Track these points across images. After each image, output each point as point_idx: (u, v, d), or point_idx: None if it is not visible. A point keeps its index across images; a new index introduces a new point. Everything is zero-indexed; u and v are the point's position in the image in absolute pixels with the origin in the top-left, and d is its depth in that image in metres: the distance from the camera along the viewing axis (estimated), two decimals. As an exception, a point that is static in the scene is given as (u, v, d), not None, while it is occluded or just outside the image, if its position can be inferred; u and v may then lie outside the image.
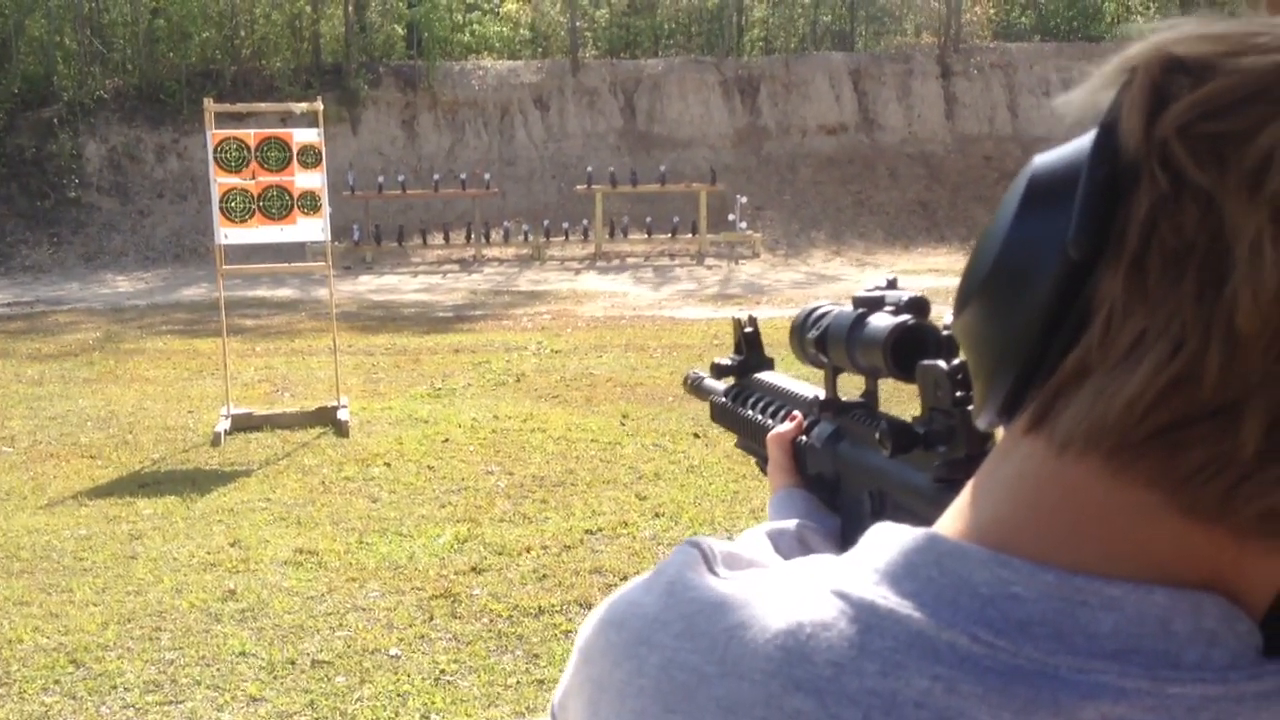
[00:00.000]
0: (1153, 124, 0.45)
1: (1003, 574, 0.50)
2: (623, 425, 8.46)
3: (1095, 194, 0.47)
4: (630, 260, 21.54)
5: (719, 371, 1.29)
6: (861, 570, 0.53)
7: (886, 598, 0.51)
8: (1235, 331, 0.43)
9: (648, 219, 21.94)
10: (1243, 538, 0.47)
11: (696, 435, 7.99)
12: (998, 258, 0.51)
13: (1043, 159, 0.51)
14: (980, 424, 0.56)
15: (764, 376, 1.25)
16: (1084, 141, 0.49)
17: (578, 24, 27.91)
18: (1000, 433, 0.55)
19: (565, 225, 21.96)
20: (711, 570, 0.57)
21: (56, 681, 4.41)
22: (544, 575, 5.41)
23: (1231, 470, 0.45)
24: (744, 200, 22.50)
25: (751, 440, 1.23)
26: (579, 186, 22.13)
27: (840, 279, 18.64)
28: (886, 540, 0.54)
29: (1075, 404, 0.48)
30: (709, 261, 21.30)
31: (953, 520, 0.55)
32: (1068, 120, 0.50)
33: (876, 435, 0.87)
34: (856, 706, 0.49)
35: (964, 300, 0.54)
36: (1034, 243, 0.49)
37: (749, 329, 1.27)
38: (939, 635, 0.49)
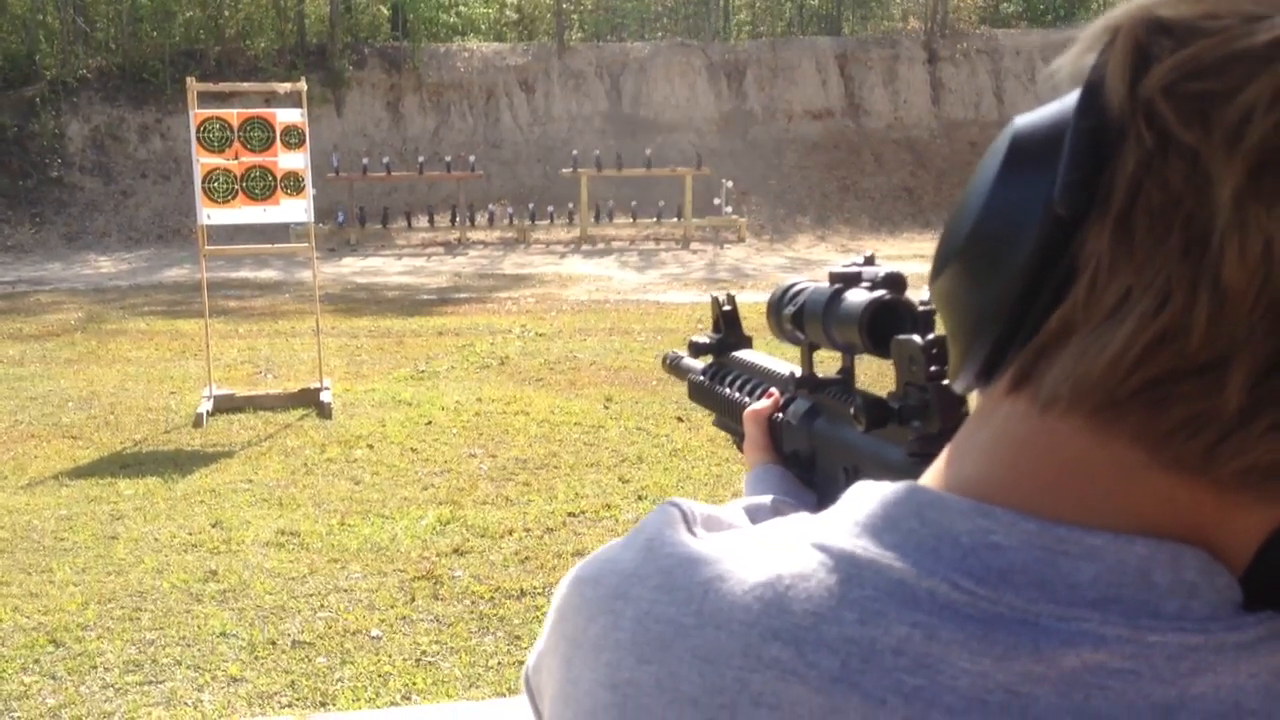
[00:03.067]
0: (1137, 84, 0.45)
1: (984, 523, 0.50)
2: (606, 409, 8.46)
3: (1081, 151, 0.46)
4: (615, 244, 21.53)
5: (696, 350, 1.29)
6: (842, 524, 0.53)
7: (867, 549, 0.51)
8: (1222, 286, 0.43)
9: (633, 203, 21.92)
10: (1224, 492, 0.47)
11: (680, 419, 7.99)
12: (978, 219, 0.51)
13: (1024, 120, 0.51)
14: (957, 387, 0.55)
15: (741, 354, 1.24)
16: (1066, 102, 0.48)
17: (564, 6, 27.81)
18: (975, 398, 0.55)
19: (550, 208, 21.92)
20: (690, 530, 0.57)
21: (36, 661, 4.40)
22: (526, 557, 5.41)
23: (1215, 426, 0.45)
24: (730, 185, 22.50)
25: (729, 418, 1.23)
26: (564, 170, 22.09)
27: (825, 264, 18.41)
28: (867, 495, 0.54)
29: (1059, 363, 0.48)
30: (694, 246, 21.30)
31: (931, 479, 0.55)
32: (1058, 85, 0.50)
33: (851, 411, 0.86)
34: (834, 654, 0.49)
35: (943, 263, 0.54)
36: (1017, 203, 0.49)
37: (727, 307, 1.27)
38: (919, 583, 0.49)
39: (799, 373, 1.06)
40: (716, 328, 1.28)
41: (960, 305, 0.53)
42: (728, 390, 1.23)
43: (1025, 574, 0.48)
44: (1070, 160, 0.47)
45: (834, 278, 0.93)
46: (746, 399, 1.17)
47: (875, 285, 0.89)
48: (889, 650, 0.48)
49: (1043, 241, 0.48)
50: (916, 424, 0.81)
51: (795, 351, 1.04)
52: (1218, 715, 0.46)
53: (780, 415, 1.08)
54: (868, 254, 0.95)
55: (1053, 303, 0.48)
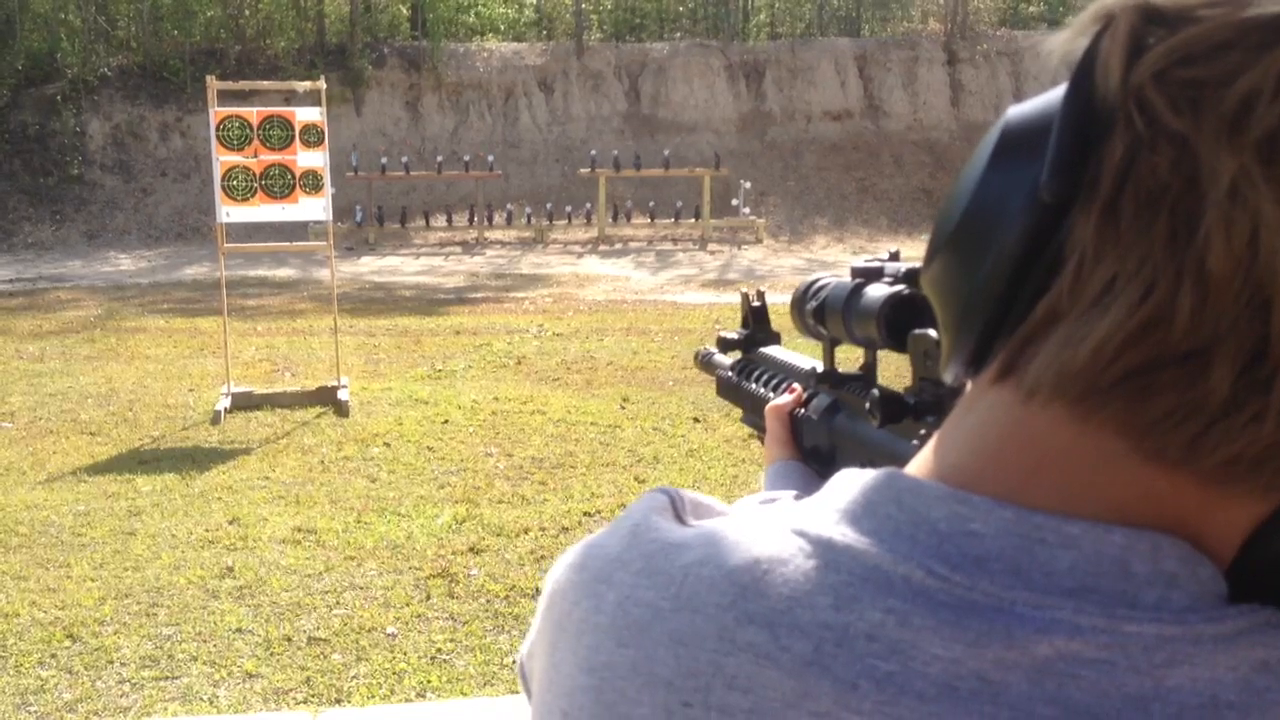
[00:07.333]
0: (1129, 70, 0.45)
1: (961, 510, 0.49)
2: (622, 409, 8.46)
3: (1069, 137, 0.46)
4: (633, 244, 21.53)
5: (724, 345, 1.29)
6: (822, 510, 0.53)
7: (845, 534, 0.51)
8: (1207, 274, 0.43)
9: (651, 203, 21.92)
10: (1208, 484, 0.47)
11: (696, 419, 7.98)
12: (967, 208, 0.51)
13: (1016, 110, 0.51)
14: (947, 377, 0.55)
15: (769, 350, 1.24)
16: (1057, 92, 0.48)
17: (583, 6, 27.83)
18: (968, 387, 0.55)
19: (568, 208, 21.94)
20: (678, 516, 0.58)
21: (53, 655, 4.42)
22: (541, 556, 5.41)
23: (1199, 416, 0.45)
24: (748, 185, 22.49)
25: (754, 414, 1.23)
26: (582, 170, 22.10)
27: (842, 266, 18.55)
28: (848, 482, 0.54)
29: (1044, 351, 0.48)
30: (711, 247, 21.28)
31: (915, 467, 0.55)
32: (1049, 69, 0.50)
33: (867, 405, 0.86)
34: (808, 639, 0.49)
35: (933, 252, 0.54)
36: (1005, 192, 0.49)
37: (756, 303, 1.27)
38: (894, 569, 0.49)
39: (821, 368, 1.05)
40: (745, 324, 1.27)
41: (949, 294, 0.53)
42: (754, 386, 1.23)
43: (1001, 561, 0.48)
44: (1057, 146, 0.46)
45: (855, 272, 0.93)
46: (771, 394, 1.17)
47: (897, 280, 0.89)
48: (862, 635, 0.48)
49: (1030, 229, 0.47)
50: (931, 419, 0.81)
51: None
52: (1194, 707, 0.45)
53: (801, 410, 1.07)
54: (892, 250, 0.94)
55: (1039, 291, 0.48)
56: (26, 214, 22.17)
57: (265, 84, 9.68)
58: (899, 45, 27.76)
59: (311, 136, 8.23)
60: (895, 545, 0.50)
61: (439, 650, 4.46)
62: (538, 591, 4.99)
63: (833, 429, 1.01)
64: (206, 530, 5.81)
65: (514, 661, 4.32)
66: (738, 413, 1.32)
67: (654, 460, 7.06)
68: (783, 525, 0.53)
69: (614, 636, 0.53)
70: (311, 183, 8.26)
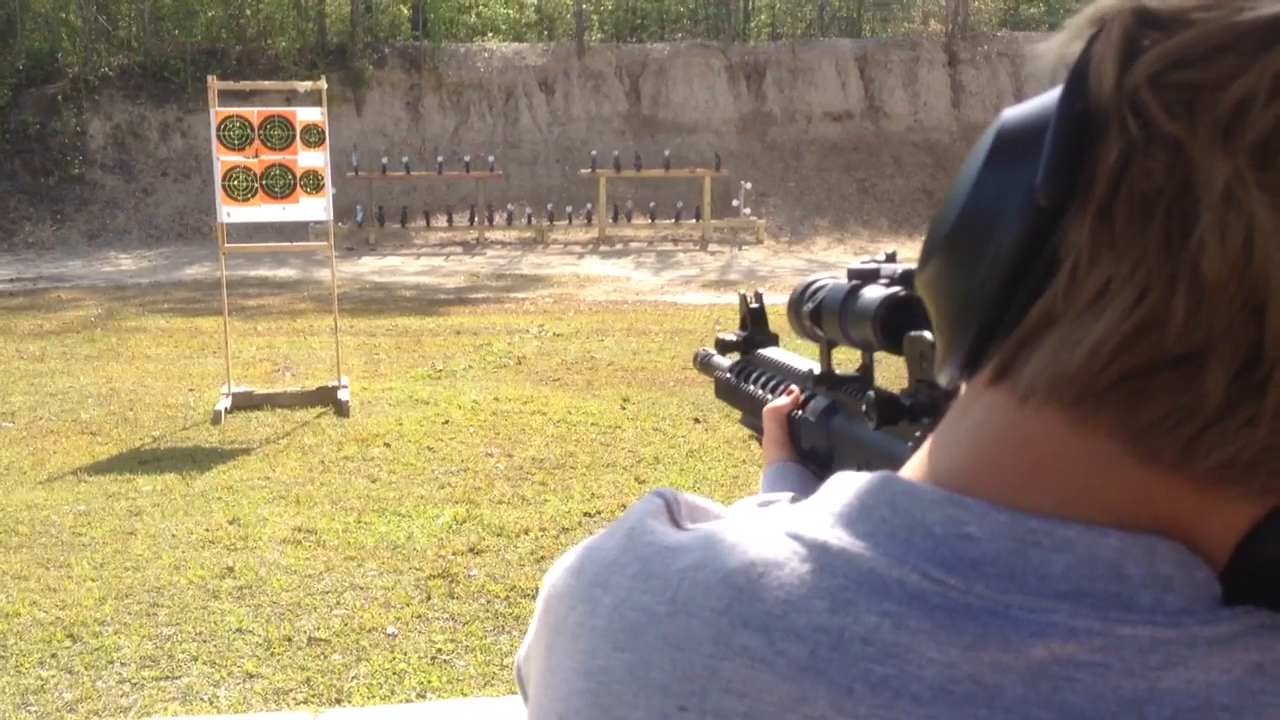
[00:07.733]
0: (1124, 73, 0.45)
1: (956, 514, 0.50)
2: (623, 409, 8.46)
3: (1064, 140, 0.46)
4: (633, 245, 21.52)
5: (723, 347, 1.29)
6: (818, 514, 0.53)
7: (840, 538, 0.51)
8: (1201, 278, 0.43)
9: (651, 204, 21.92)
10: (1203, 487, 0.47)
11: (696, 420, 7.98)
12: (963, 210, 0.51)
13: (1012, 112, 0.51)
14: (941, 380, 0.55)
15: (767, 352, 1.24)
16: (1052, 95, 0.48)
17: (584, 7, 27.83)
18: (963, 389, 0.55)
19: (569, 209, 21.93)
20: (674, 520, 0.58)
21: (53, 655, 4.42)
22: (542, 557, 5.42)
23: (1194, 420, 0.45)
24: (748, 186, 22.49)
25: (752, 416, 1.23)
26: (583, 170, 22.09)
27: (842, 266, 18.51)
28: (843, 485, 0.54)
29: (1038, 354, 0.48)
30: (712, 247, 21.28)
31: (910, 470, 0.55)
32: (1040, 71, 0.50)
33: (864, 407, 0.86)
34: (803, 643, 0.49)
35: (928, 255, 0.54)
36: (1000, 194, 0.49)
37: (754, 305, 1.27)
38: (890, 573, 0.49)
39: (819, 370, 1.05)
40: (744, 325, 1.28)
41: (944, 296, 0.53)
42: (752, 388, 1.23)
43: (996, 565, 0.48)
44: (1052, 149, 0.46)
45: (852, 274, 0.93)
46: (769, 396, 1.17)
47: (893, 282, 0.89)
48: (857, 639, 0.48)
49: (1025, 232, 0.48)
50: (927, 421, 0.81)
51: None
52: (1189, 710, 0.46)
53: (799, 412, 1.08)
54: (889, 251, 0.94)
55: (1035, 294, 0.48)
56: (27, 214, 22.17)
57: (266, 84, 9.69)
58: (900, 46, 27.75)
59: (312, 136, 8.23)
60: (890, 549, 0.50)
61: (439, 650, 4.46)
62: (538, 592, 4.99)
63: (830, 431, 1.01)
64: (207, 530, 5.81)
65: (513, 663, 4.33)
66: (738, 414, 1.32)
67: (654, 461, 7.07)
68: (778, 529, 0.53)
69: (610, 640, 0.54)
70: (312, 183, 8.26)
